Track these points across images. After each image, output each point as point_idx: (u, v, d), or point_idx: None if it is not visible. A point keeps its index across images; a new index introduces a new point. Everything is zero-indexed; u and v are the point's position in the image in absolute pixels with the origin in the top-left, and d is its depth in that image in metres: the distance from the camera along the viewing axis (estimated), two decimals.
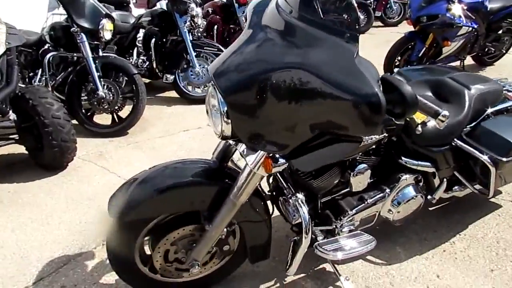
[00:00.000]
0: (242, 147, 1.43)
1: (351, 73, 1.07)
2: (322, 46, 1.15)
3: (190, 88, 4.43)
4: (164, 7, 4.54)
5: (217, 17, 5.19)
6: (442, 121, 1.24)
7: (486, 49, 5.03)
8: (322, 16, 1.15)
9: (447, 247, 2.04)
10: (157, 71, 4.41)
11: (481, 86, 1.96)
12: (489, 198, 2.15)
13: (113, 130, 3.55)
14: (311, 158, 1.31)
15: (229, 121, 1.25)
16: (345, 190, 1.74)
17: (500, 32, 4.95)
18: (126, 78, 3.68)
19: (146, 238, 1.58)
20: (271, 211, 1.70)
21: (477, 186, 2.05)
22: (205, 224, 1.52)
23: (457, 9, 4.10)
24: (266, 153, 1.32)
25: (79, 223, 2.34)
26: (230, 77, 1.24)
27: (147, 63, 4.45)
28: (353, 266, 1.92)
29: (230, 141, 1.47)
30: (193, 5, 4.19)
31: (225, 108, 1.23)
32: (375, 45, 6.46)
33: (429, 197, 1.96)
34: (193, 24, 4.28)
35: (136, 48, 4.59)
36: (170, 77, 4.29)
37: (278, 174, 1.59)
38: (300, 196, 1.52)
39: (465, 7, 4.25)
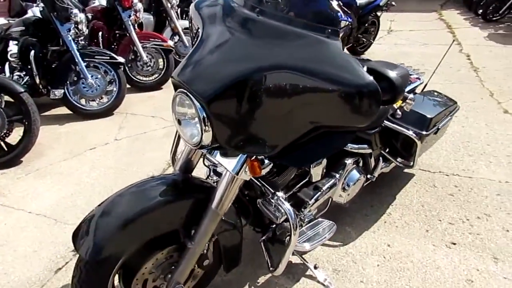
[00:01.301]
0: (216, 154, 1.36)
1: (343, 67, 1.08)
2: (306, 44, 1.13)
3: (83, 101, 4.00)
4: (38, 15, 3.98)
5: (100, 22, 4.76)
6: (410, 104, 1.36)
7: (359, 40, 5.69)
8: (299, 14, 1.16)
9: (386, 218, 2.26)
10: (40, 87, 3.85)
11: (394, 71, 2.20)
12: (412, 168, 2.44)
13: (3, 160, 3.00)
14: (304, 154, 1.30)
15: (210, 128, 1.16)
16: (302, 182, 1.79)
17: (367, 24, 5.67)
18: (5, 99, 3.14)
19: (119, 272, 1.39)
20: None
21: (399, 160, 2.31)
22: (186, 242, 1.40)
23: (336, 6, 4.52)
24: (250, 156, 1.27)
25: None
26: (208, 81, 1.14)
27: (26, 78, 3.87)
28: (315, 254, 2.00)
29: (203, 150, 1.37)
30: (76, 10, 3.76)
31: (204, 115, 1.15)
32: None
33: (369, 176, 2.14)
34: (78, 31, 3.85)
35: (8, 63, 3.94)
36: (58, 92, 3.80)
37: (252, 177, 1.54)
38: (281, 194, 1.51)
39: (342, 4, 4.72)
